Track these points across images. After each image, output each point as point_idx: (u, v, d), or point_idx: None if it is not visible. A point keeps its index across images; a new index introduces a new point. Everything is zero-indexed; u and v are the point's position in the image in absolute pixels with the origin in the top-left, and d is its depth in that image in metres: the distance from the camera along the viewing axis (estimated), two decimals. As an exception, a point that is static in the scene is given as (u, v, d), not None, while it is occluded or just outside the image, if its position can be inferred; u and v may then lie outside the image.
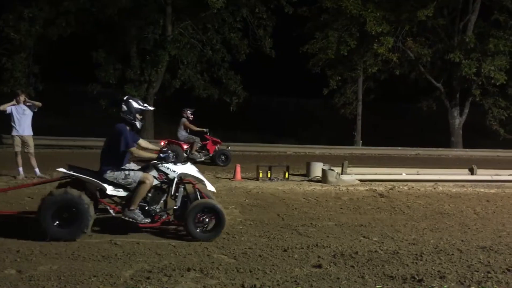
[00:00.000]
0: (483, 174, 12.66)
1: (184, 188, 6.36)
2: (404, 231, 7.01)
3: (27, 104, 10.54)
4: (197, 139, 13.95)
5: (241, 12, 23.33)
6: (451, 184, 11.87)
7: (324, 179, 11.51)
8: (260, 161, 14.57)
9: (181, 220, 6.15)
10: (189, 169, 6.37)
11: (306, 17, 25.07)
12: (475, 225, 7.51)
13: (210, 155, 14.35)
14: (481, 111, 26.31)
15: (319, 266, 5.11)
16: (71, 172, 6.03)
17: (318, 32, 24.16)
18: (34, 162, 10.62)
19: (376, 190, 10.65)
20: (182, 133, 13.97)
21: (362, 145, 24.70)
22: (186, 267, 4.92)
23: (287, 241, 6.12)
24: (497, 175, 12.69)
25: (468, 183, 12.03)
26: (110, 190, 5.99)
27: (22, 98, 10.49)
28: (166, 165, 6.19)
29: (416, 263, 5.34)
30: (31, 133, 10.62)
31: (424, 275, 4.86)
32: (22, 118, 10.44)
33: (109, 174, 6.04)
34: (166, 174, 6.19)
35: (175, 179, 6.20)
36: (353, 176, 11.76)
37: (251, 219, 7.46)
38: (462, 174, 12.77)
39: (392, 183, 11.48)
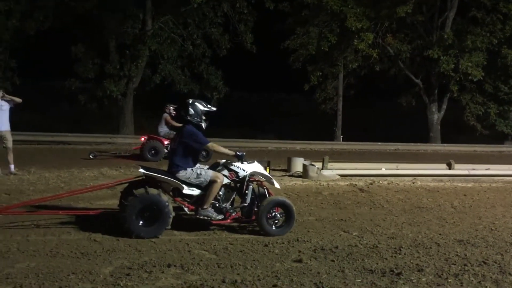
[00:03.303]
0: (460, 169, 12.86)
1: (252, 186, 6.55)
2: (383, 225, 7.09)
3: (5, 99, 10.32)
4: (177, 135, 13.85)
5: (222, 7, 23.24)
6: (429, 178, 12.03)
7: (305, 174, 11.56)
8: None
9: (249, 217, 6.42)
10: (258, 167, 6.58)
11: (287, 12, 25.10)
12: (452, 219, 7.64)
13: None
14: (458, 107, 26.73)
15: (300, 261, 5.14)
16: (151, 173, 6.15)
17: (299, 27, 24.22)
18: (11, 158, 10.42)
19: (356, 185, 10.74)
20: (163, 129, 13.81)
21: (343, 140, 24.89)
22: (167, 263, 4.90)
23: (267, 237, 6.13)
24: (474, 169, 12.91)
25: (446, 178, 12.22)
26: (186, 189, 6.15)
27: (0, 93, 10.27)
28: (236, 164, 6.42)
29: (395, 256, 5.41)
30: (9, 128, 10.41)
31: (402, 268, 4.93)
32: (0, 113, 10.22)
33: (182, 174, 6.17)
34: (237, 173, 6.39)
35: (246, 178, 6.41)
36: (333, 171, 11.83)
37: (232, 215, 7.44)
38: (440, 169, 12.96)
39: (372, 178, 11.60)
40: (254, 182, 6.59)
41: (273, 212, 6.26)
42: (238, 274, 4.69)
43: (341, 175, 11.70)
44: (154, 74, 23.14)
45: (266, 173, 6.75)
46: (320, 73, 25.33)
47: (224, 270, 4.78)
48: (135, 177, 6.54)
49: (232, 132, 23.13)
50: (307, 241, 5.96)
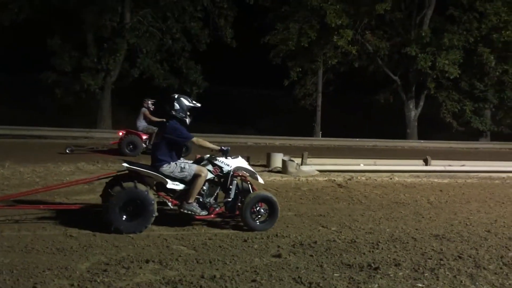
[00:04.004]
0: (436, 165, 13.07)
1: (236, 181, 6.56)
2: (361, 220, 7.15)
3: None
4: (156, 130, 13.69)
5: (201, 1, 23.07)
6: (407, 174, 12.19)
7: (284, 169, 11.60)
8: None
9: (232, 212, 6.44)
10: (242, 163, 6.60)
11: (267, 8, 25.07)
12: (428, 214, 7.75)
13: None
14: (435, 104, 27.11)
15: (279, 256, 5.15)
16: (134, 167, 6.09)
17: (279, 23, 24.21)
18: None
19: (335, 180, 10.82)
20: (141, 123, 13.66)
21: (322, 136, 25.02)
22: (145, 258, 4.85)
23: (247, 232, 6.13)
24: (450, 165, 13.13)
25: (423, 174, 12.38)
26: (170, 184, 6.11)
27: None
28: (220, 159, 6.42)
29: (372, 251, 5.46)
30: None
31: (380, 263, 4.98)
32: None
33: (165, 168, 6.14)
34: (221, 167, 6.39)
35: (230, 173, 6.40)
36: (312, 167, 11.90)
37: (211, 210, 7.41)
38: (417, 165, 13.14)
39: (350, 173, 11.69)
40: (238, 177, 6.59)
41: (257, 207, 6.28)
42: (217, 269, 4.67)
43: (320, 171, 11.78)
44: (132, 68, 22.84)
45: (250, 168, 6.77)
46: (300, 69, 25.40)
47: (203, 266, 4.76)
48: (118, 171, 6.47)
49: (211, 127, 23.02)
50: (286, 236, 5.98)
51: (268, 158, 12.51)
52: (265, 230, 6.18)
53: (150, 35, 22.77)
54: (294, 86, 26.81)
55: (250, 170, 6.72)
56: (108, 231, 5.74)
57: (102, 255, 4.97)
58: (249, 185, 6.62)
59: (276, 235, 6.02)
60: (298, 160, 11.81)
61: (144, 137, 13.49)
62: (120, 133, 13.89)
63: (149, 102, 13.74)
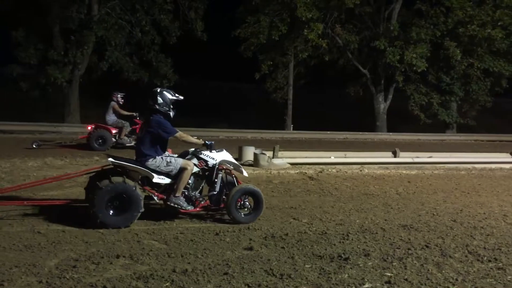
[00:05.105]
0: (405, 157, 13.32)
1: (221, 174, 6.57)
2: (332, 212, 7.25)
3: None
4: (126, 124, 13.51)
5: (171, -8, 22.76)
6: (376, 166, 12.39)
7: (256, 163, 11.63)
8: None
9: (217, 204, 6.49)
10: (227, 156, 6.62)
11: (237, 0, 24.95)
12: (397, 205, 7.91)
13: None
14: (403, 97, 27.56)
15: (251, 249, 5.18)
16: (120, 162, 6.04)
17: (250, 16, 24.14)
18: None
19: (306, 173, 10.91)
20: (111, 117, 13.45)
21: (293, 129, 25.13)
22: (115, 254, 4.80)
23: (218, 225, 6.14)
24: (417, 157, 13.42)
25: (392, 165, 12.61)
26: (156, 178, 6.07)
27: None
28: (205, 152, 6.44)
29: (343, 242, 5.55)
30: None
31: (350, 253, 5.06)
32: None
33: (151, 162, 6.12)
34: (206, 161, 6.41)
35: (216, 166, 6.42)
36: (284, 159, 11.96)
37: (183, 204, 7.38)
38: (386, 157, 13.37)
39: (321, 166, 11.81)
40: (223, 171, 6.63)
41: (243, 200, 6.34)
42: (188, 263, 4.66)
43: (291, 164, 11.85)
44: (101, 61, 22.40)
45: (235, 161, 6.82)
46: (271, 62, 25.39)
47: (174, 260, 4.75)
48: (103, 166, 6.40)
49: (182, 121, 22.68)
50: (258, 229, 6.02)
51: (240, 151, 12.51)
52: (250, 223, 6.25)
53: (119, 27, 22.32)
54: (265, 79, 26.79)
55: (235, 163, 6.78)
56: (78, 227, 5.65)
57: (71, 251, 4.90)
58: (234, 178, 6.66)
59: (248, 228, 6.05)
60: (269, 153, 11.85)
61: (114, 131, 13.30)
62: (89, 127, 13.65)
63: (119, 95, 13.54)
